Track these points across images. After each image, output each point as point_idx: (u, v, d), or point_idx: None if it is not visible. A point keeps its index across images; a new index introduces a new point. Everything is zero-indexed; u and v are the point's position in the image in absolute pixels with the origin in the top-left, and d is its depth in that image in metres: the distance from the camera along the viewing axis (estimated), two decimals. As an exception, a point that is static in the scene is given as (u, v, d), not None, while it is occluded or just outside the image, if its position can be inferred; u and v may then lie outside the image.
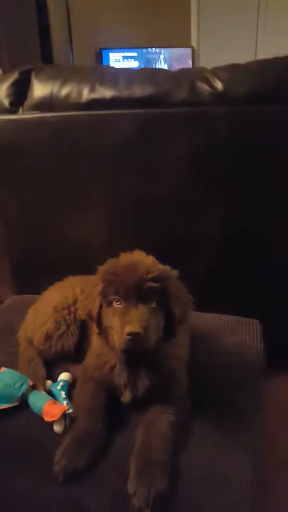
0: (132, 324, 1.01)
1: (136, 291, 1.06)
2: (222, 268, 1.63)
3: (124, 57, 5.37)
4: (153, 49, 5.41)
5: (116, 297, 1.09)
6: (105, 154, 1.59)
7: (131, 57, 5.38)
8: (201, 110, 1.50)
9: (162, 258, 1.17)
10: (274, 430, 1.65)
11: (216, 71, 1.53)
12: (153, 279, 1.07)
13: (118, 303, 1.09)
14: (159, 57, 5.41)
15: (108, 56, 5.35)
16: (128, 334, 1.01)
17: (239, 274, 1.65)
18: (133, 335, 1.01)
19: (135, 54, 5.40)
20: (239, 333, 1.53)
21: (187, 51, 5.38)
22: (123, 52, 5.39)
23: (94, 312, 1.13)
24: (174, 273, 1.16)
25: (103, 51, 5.35)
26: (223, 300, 1.65)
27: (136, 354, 1.11)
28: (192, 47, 5.42)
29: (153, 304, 1.07)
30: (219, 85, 1.49)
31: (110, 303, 1.11)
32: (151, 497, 0.92)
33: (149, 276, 1.07)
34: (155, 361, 1.14)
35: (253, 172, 1.51)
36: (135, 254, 1.17)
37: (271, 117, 1.47)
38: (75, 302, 1.42)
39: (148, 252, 1.17)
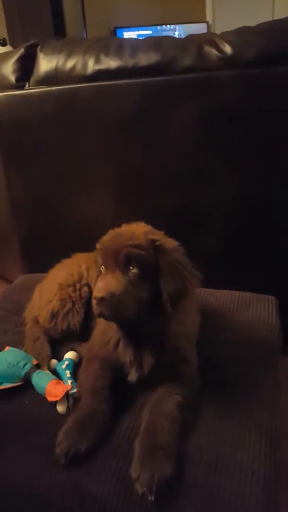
0: (97, 289, 0.97)
1: (115, 258, 1.01)
2: (236, 241, 1.56)
3: (138, 35, 5.24)
4: (168, 26, 5.25)
5: (102, 265, 1.05)
6: (112, 126, 1.53)
7: (146, 35, 5.22)
8: (209, 75, 1.41)
9: (173, 231, 1.11)
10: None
11: (225, 35, 1.45)
12: (133, 246, 1.01)
13: (102, 269, 1.05)
14: (174, 34, 5.26)
15: (122, 35, 5.24)
16: (94, 299, 0.97)
17: (254, 247, 1.57)
18: (98, 300, 0.96)
19: (149, 32, 5.26)
20: (254, 310, 1.45)
21: (202, 26, 5.20)
22: (138, 31, 5.27)
23: (92, 283, 1.08)
24: (170, 243, 1.07)
25: (117, 30, 5.24)
26: (238, 275, 1.58)
27: (132, 329, 1.07)
28: (207, 22, 5.24)
29: (134, 271, 1.00)
30: (227, 48, 1.40)
31: (100, 272, 1.06)
32: (154, 483, 0.86)
33: (130, 242, 1.01)
34: (159, 338, 1.08)
35: (265, 138, 1.42)
36: (135, 224, 1.10)
37: (283, 79, 1.38)
38: (80, 279, 1.38)
39: (158, 226, 1.11)
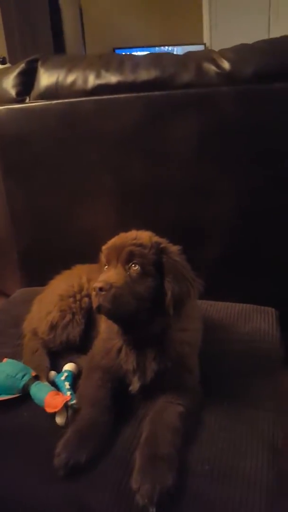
0: (97, 281, 1.00)
1: (118, 255, 1.04)
2: (236, 254, 1.56)
3: (137, 56, 5.34)
4: (166, 47, 5.36)
5: (105, 264, 1.08)
6: (112, 140, 1.54)
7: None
8: (208, 91, 1.43)
9: (173, 243, 1.13)
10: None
11: (223, 52, 1.48)
12: (137, 244, 1.05)
13: (106, 268, 1.08)
14: (173, 55, 5.36)
15: (121, 55, 5.33)
16: (94, 290, 0.99)
17: (254, 259, 1.57)
18: (96, 291, 0.98)
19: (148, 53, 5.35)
20: (254, 321, 1.45)
21: (200, 48, 5.31)
22: (137, 52, 5.37)
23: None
24: (174, 248, 1.11)
25: (116, 51, 5.34)
26: (238, 288, 1.58)
27: (134, 332, 1.07)
28: (205, 44, 5.35)
29: (135, 268, 1.03)
30: (226, 65, 1.42)
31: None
32: (156, 494, 0.85)
33: (133, 241, 1.05)
34: (162, 345, 1.08)
35: (264, 152, 1.43)
36: (141, 231, 1.12)
37: (281, 95, 1.40)
38: (81, 290, 1.37)
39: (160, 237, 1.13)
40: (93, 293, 1.00)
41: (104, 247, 1.11)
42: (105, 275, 1.03)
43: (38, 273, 1.68)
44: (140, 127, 1.50)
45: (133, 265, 1.03)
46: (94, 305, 1.01)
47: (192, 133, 1.44)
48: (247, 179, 1.47)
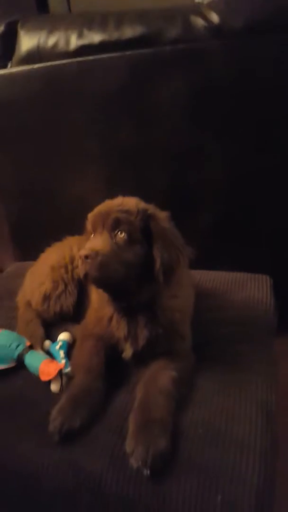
0: (83, 249, 0.98)
1: (103, 222, 1.02)
2: (229, 221, 1.53)
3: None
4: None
5: (91, 232, 1.06)
6: (98, 102, 1.49)
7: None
8: (196, 47, 1.37)
9: (164, 210, 1.10)
10: (286, 390, 1.55)
11: (211, 4, 1.40)
12: (123, 211, 1.02)
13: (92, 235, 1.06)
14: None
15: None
16: (80, 257, 0.98)
17: (247, 227, 1.54)
18: (83, 258, 0.97)
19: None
20: (248, 289, 1.43)
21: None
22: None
23: None
24: (162, 214, 1.08)
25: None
26: (232, 257, 1.55)
27: (124, 300, 1.06)
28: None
29: (121, 235, 1.01)
30: (214, 17, 1.35)
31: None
32: (149, 457, 0.85)
33: (119, 208, 1.03)
34: (153, 312, 1.07)
35: (256, 109, 1.38)
36: (127, 197, 1.09)
37: (272, 48, 1.33)
38: (72, 261, 1.36)
39: (151, 204, 1.10)
40: (79, 261, 0.98)
41: (89, 215, 1.08)
42: (91, 243, 1.01)
43: (31, 247, 1.66)
44: (126, 88, 1.44)
45: (119, 232, 1.01)
46: (81, 273, 1.00)
47: (181, 93, 1.39)
48: (240, 141, 1.42)
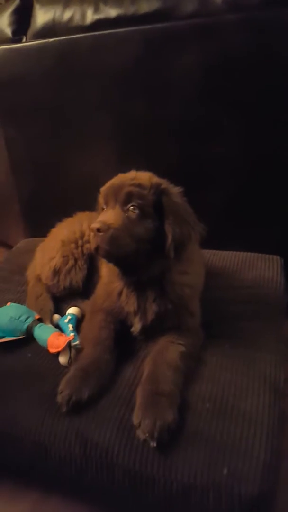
0: (95, 222, 0.97)
1: (116, 196, 1.01)
2: (241, 197, 1.50)
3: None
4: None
5: (103, 205, 1.05)
6: (112, 77, 1.46)
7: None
8: (212, 21, 1.33)
9: (176, 187, 1.08)
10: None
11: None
12: (135, 185, 1.01)
13: (103, 209, 1.05)
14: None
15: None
16: (92, 230, 0.97)
17: (259, 203, 1.51)
18: (94, 231, 0.96)
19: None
20: (258, 269, 1.42)
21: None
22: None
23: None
24: (174, 189, 1.06)
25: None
26: (241, 236, 1.53)
27: (135, 274, 1.05)
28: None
29: (134, 211, 0.99)
30: (231, -10, 1.31)
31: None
32: (156, 429, 0.86)
33: (132, 182, 1.02)
34: (163, 287, 1.07)
35: (271, 85, 1.34)
36: (140, 172, 1.08)
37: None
38: (82, 236, 1.36)
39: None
40: (91, 234, 0.98)
41: (102, 189, 1.07)
42: (103, 216, 1.00)
43: (41, 223, 1.66)
44: (141, 63, 1.41)
45: (131, 207, 1.00)
46: (93, 246, 0.99)
47: (195, 67, 1.35)
48: (254, 117, 1.38)
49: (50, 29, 1.57)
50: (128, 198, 1.00)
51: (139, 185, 1.01)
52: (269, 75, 1.33)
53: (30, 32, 1.63)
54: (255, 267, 1.44)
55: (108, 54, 1.45)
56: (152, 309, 1.06)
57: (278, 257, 1.48)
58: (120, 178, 1.06)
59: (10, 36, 1.66)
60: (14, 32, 1.66)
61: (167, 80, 1.41)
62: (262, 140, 1.40)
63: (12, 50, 1.63)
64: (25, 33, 1.64)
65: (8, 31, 1.66)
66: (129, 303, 1.09)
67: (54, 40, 1.53)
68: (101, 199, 1.07)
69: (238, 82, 1.34)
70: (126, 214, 1.00)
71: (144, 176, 1.05)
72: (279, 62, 1.31)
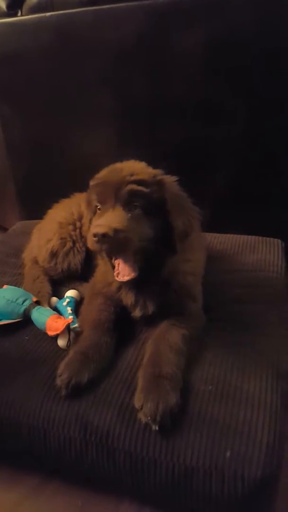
0: (99, 225, 0.90)
1: (115, 194, 0.94)
2: (243, 181, 1.48)
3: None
4: None
5: (98, 203, 0.98)
6: (112, 54, 1.42)
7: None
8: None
9: (178, 170, 1.03)
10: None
11: None
12: (137, 182, 0.94)
13: (99, 208, 0.98)
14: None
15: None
16: (94, 236, 0.90)
17: (262, 187, 1.49)
18: (99, 237, 0.89)
19: None
20: (260, 252, 1.41)
21: None
22: None
23: (86, 226, 1.03)
24: (171, 179, 1.01)
25: None
26: (244, 219, 1.52)
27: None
28: None
29: (137, 210, 0.94)
30: None
31: (95, 212, 1.00)
32: (159, 412, 0.84)
33: (133, 178, 0.95)
34: (165, 277, 1.03)
35: (277, 65, 1.30)
36: (130, 161, 1.03)
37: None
38: (80, 218, 1.32)
39: (163, 163, 1.03)
40: (94, 238, 0.91)
41: (93, 183, 1.01)
42: (105, 219, 0.93)
43: (37, 206, 1.62)
44: (142, 39, 1.37)
45: (134, 206, 0.94)
46: (96, 249, 0.93)
47: (199, 44, 1.32)
48: (259, 97, 1.35)
49: (47, 3, 1.52)
50: (131, 198, 0.94)
51: (141, 182, 0.95)
52: (274, 55, 1.29)
53: (26, 5, 1.57)
54: (256, 250, 1.43)
55: (109, 30, 1.40)
56: (154, 301, 1.04)
57: (279, 241, 1.47)
58: (116, 173, 0.98)
59: (4, 10, 1.60)
60: (9, 6, 1.60)
61: (170, 59, 1.37)
62: (266, 121, 1.38)
63: (7, 25, 1.57)
64: (20, 7, 1.58)
65: (3, 5, 1.61)
66: (128, 296, 1.06)
67: (52, 15, 1.48)
68: (93, 196, 1.00)
69: (242, 60, 1.31)
70: (129, 215, 0.94)
71: (142, 170, 0.99)
72: (285, 42, 1.27)
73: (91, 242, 0.94)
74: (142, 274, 1.00)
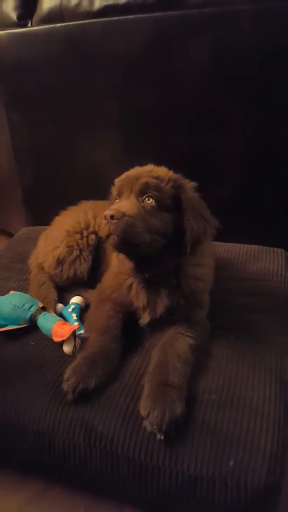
0: (109, 209, 0.94)
1: (131, 186, 0.99)
2: (247, 190, 1.49)
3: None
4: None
5: (116, 196, 1.03)
6: (120, 64, 1.44)
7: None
8: (224, 10, 1.30)
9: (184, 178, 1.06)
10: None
11: None
12: (153, 176, 0.99)
13: (117, 201, 1.02)
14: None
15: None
16: (105, 218, 0.93)
17: (265, 197, 1.50)
18: (108, 218, 0.92)
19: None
20: (263, 262, 1.43)
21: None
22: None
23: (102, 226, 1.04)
24: (190, 184, 1.05)
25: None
26: (248, 228, 1.52)
27: (148, 268, 1.03)
28: None
29: (150, 201, 0.97)
30: (244, -20, 1.29)
31: None
32: (165, 422, 0.85)
33: (150, 173, 1.00)
34: (177, 280, 1.05)
35: (284, 75, 1.32)
36: (156, 166, 1.06)
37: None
38: (87, 227, 1.34)
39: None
40: (104, 221, 0.94)
41: (116, 180, 1.04)
42: (117, 205, 0.97)
43: (42, 212, 1.64)
44: (149, 51, 1.39)
45: (147, 198, 0.97)
46: (104, 233, 0.96)
47: (205, 57, 1.34)
48: (263, 109, 1.37)
49: (56, 14, 1.54)
50: (145, 189, 0.98)
51: (157, 177, 0.99)
52: (280, 65, 1.31)
53: (36, 16, 1.60)
54: (260, 259, 1.44)
55: (117, 41, 1.42)
56: (163, 303, 1.05)
57: (283, 250, 1.48)
58: (137, 170, 1.04)
59: (15, 20, 1.63)
60: (19, 17, 1.63)
61: (177, 70, 1.39)
62: (272, 131, 1.39)
63: (18, 35, 1.60)
64: (30, 18, 1.61)
65: (13, 15, 1.63)
66: (139, 298, 1.07)
67: (61, 26, 1.51)
68: (114, 190, 1.04)
69: (248, 71, 1.32)
70: (142, 204, 0.97)
71: (162, 170, 1.04)
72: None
73: (102, 227, 0.98)
74: (154, 275, 1.03)
